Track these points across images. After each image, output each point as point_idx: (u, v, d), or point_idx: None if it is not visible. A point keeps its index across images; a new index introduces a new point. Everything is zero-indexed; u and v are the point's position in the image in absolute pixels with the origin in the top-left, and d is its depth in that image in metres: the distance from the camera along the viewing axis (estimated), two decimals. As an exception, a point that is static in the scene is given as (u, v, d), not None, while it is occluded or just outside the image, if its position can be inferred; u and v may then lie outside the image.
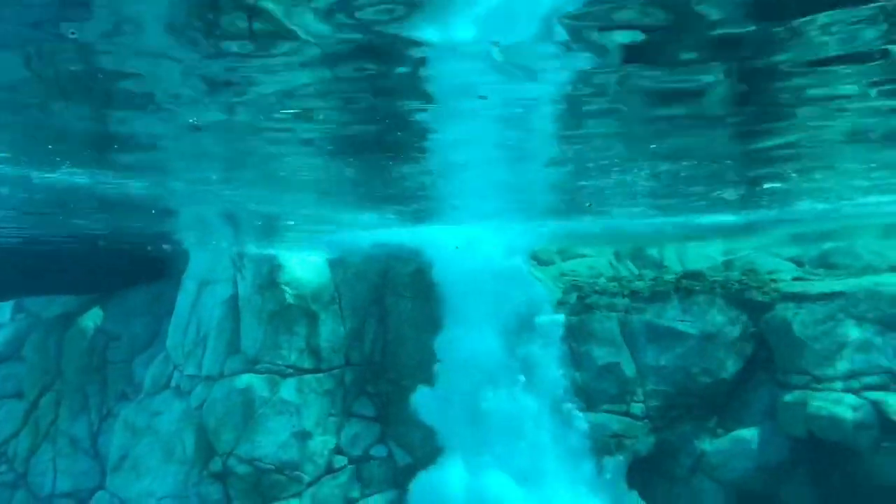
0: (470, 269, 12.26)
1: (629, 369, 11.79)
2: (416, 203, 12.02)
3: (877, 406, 10.07)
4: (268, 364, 12.15)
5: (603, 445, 11.59)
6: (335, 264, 12.52)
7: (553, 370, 11.74)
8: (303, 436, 12.03)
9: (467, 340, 11.91)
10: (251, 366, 12.17)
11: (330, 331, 12.46)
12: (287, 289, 12.10)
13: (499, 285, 12.21)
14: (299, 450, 12.00)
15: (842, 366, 10.55)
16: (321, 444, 12.23)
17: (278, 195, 10.95)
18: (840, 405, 10.24)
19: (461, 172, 9.75)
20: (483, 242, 12.65)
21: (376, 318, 13.00)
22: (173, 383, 12.90)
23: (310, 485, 12.06)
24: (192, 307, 13.06)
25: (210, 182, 9.76)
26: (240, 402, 11.96)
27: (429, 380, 12.13)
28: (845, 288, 10.96)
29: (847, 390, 10.39)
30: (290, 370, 12.20)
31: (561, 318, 11.98)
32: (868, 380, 10.34)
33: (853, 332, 10.61)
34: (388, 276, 12.80)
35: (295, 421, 12.04)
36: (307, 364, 12.29)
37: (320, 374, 12.36)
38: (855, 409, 10.14)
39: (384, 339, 12.81)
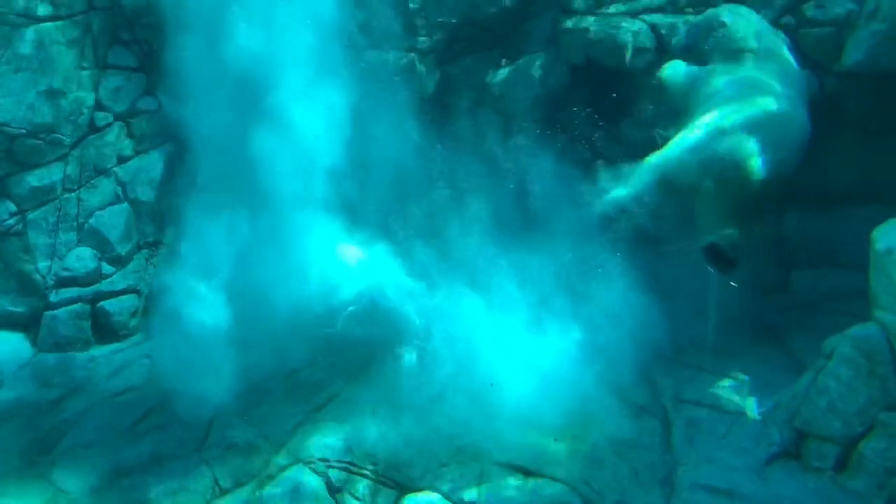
0: None
1: (413, 1, 11.05)
2: None
3: (654, 28, 10.13)
4: (-11, 12, 10.23)
5: (387, 82, 11.17)
6: None
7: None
8: (52, 94, 10.66)
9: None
10: (-32, 16, 10.21)
11: (63, -32, 10.50)
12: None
13: None
14: (52, 110, 10.70)
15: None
16: (77, 101, 10.96)
17: None
18: (619, 30, 10.22)
19: None
20: None
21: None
22: None
23: (73, 146, 11.01)
24: None
25: None
26: (-36, 61, 10.22)
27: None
28: None
29: (627, 13, 10.33)
30: (22, 19, 10.38)
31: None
32: (647, 2, 10.27)
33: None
34: None
35: (39, 78, 10.54)
36: (41, 11, 10.46)
37: (60, 22, 10.63)
38: (634, 33, 10.16)
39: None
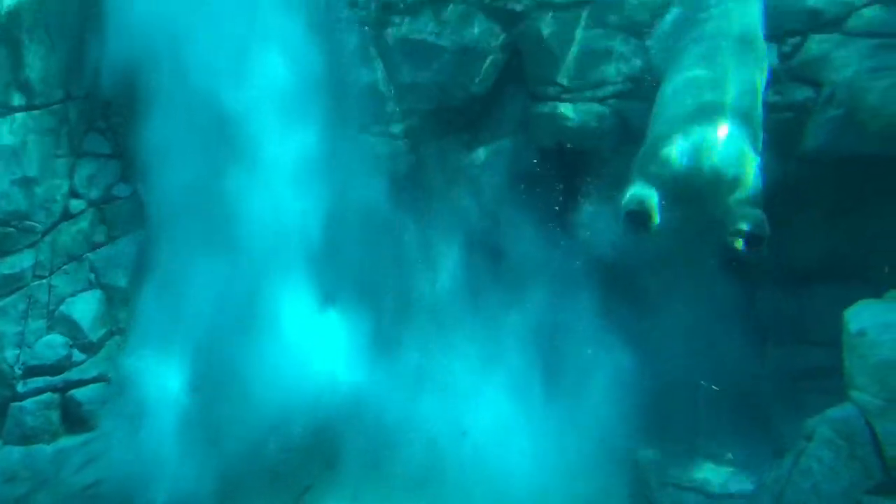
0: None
1: (386, 88, 11.32)
2: None
3: (620, 113, 10.49)
4: (-33, 104, 10.23)
5: (367, 167, 11.35)
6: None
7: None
8: (27, 182, 10.57)
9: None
10: (-55, 104, 10.20)
11: (40, 59, 10.51)
12: (-27, 11, 9.88)
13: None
14: (26, 198, 10.61)
15: (590, 75, 10.71)
16: (51, 188, 10.89)
17: None
18: (587, 114, 10.58)
19: None
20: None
21: (98, 41, 11.16)
22: None
23: (45, 233, 10.91)
24: None
25: None
26: (-60, 150, 10.16)
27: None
28: (596, -6, 10.81)
29: (594, 99, 10.67)
30: (-2, 110, 10.41)
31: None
32: (613, 88, 10.63)
33: (601, 41, 10.67)
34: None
35: (14, 167, 10.45)
36: (17, 101, 10.43)
37: (36, 112, 10.64)
38: (601, 117, 10.53)
39: (110, 67, 11.10)
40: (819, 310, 8.60)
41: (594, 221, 11.01)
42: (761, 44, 9.03)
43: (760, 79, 8.77)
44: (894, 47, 9.05)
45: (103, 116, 11.52)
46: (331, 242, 10.91)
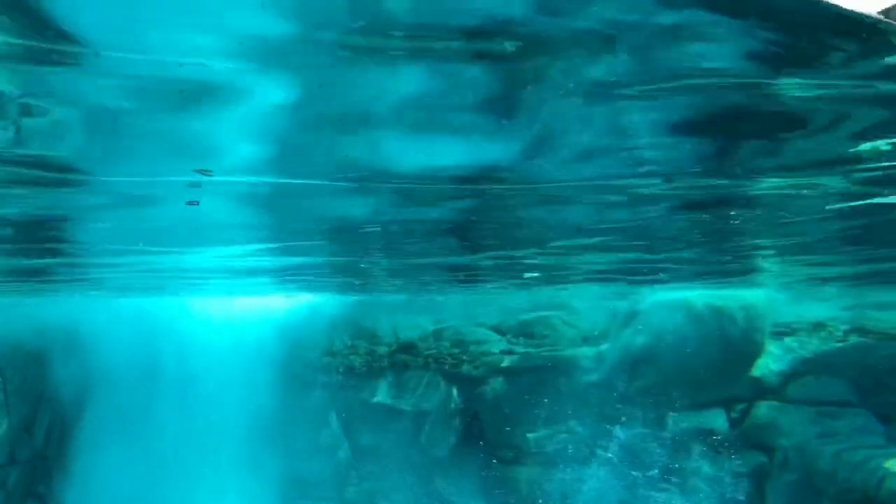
0: (162, 345, 11.04)
1: (344, 452, 11.26)
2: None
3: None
4: None
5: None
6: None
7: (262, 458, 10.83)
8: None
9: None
10: None
11: (-10, 425, 10.36)
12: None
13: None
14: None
15: (547, 436, 10.90)
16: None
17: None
18: (546, 476, 10.55)
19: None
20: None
21: (53, 404, 11.11)
22: None
23: None
24: None
25: None
26: None
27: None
28: (547, 362, 11.44)
29: (554, 459, 10.73)
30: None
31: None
32: (572, 450, 10.76)
33: (555, 404, 11.01)
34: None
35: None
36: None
37: (-26, 482, 10.22)
38: (563, 480, 10.50)
39: (62, 428, 10.93)
40: None
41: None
42: None
43: None
44: (833, 414, 9.50)
45: (45, 481, 11.05)
46: None
